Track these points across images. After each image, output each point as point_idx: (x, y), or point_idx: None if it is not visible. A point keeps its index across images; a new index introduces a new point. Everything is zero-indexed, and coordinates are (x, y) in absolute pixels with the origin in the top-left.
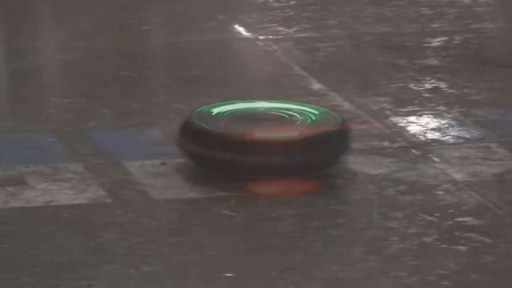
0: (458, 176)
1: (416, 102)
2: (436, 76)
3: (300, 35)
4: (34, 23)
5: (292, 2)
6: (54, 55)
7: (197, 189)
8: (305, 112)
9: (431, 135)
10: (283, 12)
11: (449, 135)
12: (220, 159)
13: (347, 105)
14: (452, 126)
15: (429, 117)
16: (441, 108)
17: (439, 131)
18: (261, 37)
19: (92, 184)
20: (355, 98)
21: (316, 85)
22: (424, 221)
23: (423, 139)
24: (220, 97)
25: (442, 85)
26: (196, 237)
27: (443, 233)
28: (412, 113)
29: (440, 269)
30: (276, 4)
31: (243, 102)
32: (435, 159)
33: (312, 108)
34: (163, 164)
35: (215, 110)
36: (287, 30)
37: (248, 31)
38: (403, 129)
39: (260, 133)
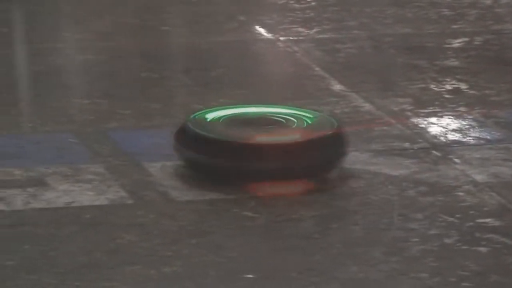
0: (479, 177)
1: (436, 103)
2: (457, 77)
3: (321, 36)
4: (55, 23)
5: (313, 3)
6: (75, 56)
7: (217, 190)
8: (300, 116)
9: (452, 136)
10: (304, 13)
11: (470, 136)
12: (216, 164)
13: (367, 106)
14: (473, 127)
15: (449, 118)
16: (462, 109)
17: (460, 132)
18: (281, 38)
19: (112, 185)
20: (376, 99)
21: (337, 86)
22: (445, 222)
23: (444, 140)
24: (240, 98)
25: (463, 86)
26: (217, 238)
27: (464, 234)
28: (433, 114)
29: (461, 270)
30: (297, 5)
31: (238, 107)
32: (456, 160)
33: (306, 112)
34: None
35: (210, 116)
36: (308, 31)
37: (268, 32)
38: (423, 130)
39: (259, 138)
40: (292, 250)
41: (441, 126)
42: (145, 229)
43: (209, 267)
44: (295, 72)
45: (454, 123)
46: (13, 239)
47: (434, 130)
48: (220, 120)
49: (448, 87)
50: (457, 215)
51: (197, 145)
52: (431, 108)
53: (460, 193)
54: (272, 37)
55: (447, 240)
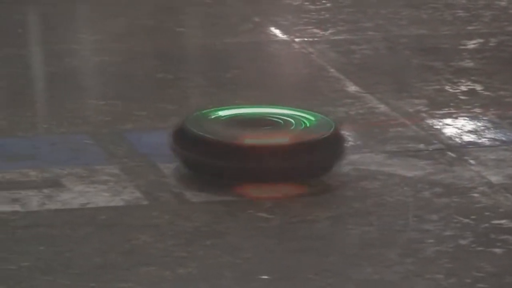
0: (494, 179)
1: (451, 104)
2: (472, 78)
3: (336, 37)
4: (70, 25)
5: (328, 5)
6: (90, 57)
7: (232, 191)
8: (301, 118)
9: (467, 138)
10: (319, 14)
11: (485, 138)
12: (213, 165)
13: (382, 107)
14: (488, 128)
15: (465, 120)
16: (477, 110)
17: (475, 134)
18: (296, 39)
19: (128, 186)
20: (391, 100)
21: (352, 88)
22: (460, 224)
23: (459, 141)
24: (255, 99)
25: (478, 87)
26: (232, 240)
27: (479, 235)
28: (448, 115)
29: (476, 271)
30: (312, 7)
31: (240, 108)
32: (471, 161)
33: (309, 115)
34: None
35: (209, 116)
36: (323, 33)
37: (283, 33)
38: (439, 131)
39: (251, 139)
40: (307, 251)
41: (456, 127)
42: (160, 230)
43: (224, 268)
44: (310, 74)
45: (469, 124)
46: (28, 240)
47: (449, 131)
48: (219, 120)
49: (463, 88)
50: (472, 217)
51: (189, 144)
52: (446, 109)
53: (475, 195)
54: (287, 38)
55: (462, 242)
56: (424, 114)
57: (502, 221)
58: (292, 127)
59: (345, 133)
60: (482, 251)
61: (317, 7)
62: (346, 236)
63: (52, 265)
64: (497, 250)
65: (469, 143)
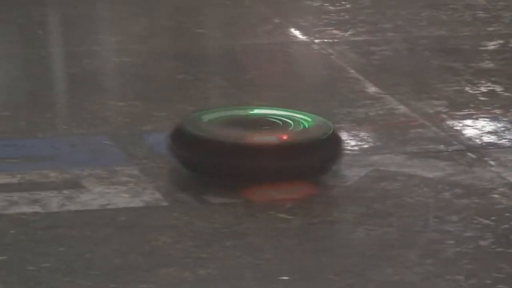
0: None
1: (471, 105)
2: (492, 79)
3: (356, 38)
4: (90, 26)
5: (348, 6)
6: (111, 58)
7: (252, 192)
8: (299, 119)
9: (487, 139)
10: (339, 15)
11: (505, 139)
12: (211, 164)
13: (402, 109)
14: (508, 129)
15: (485, 121)
16: (497, 111)
17: (495, 135)
18: (316, 41)
19: (147, 187)
20: (411, 101)
21: (372, 89)
22: (480, 225)
23: (479, 142)
24: (275, 100)
25: (498, 88)
26: (252, 241)
27: (499, 236)
28: (468, 117)
29: (497, 272)
30: (332, 8)
31: (238, 109)
32: (491, 162)
33: (307, 116)
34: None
35: (207, 117)
36: (343, 34)
37: (303, 35)
38: (458, 133)
39: (248, 138)
40: (327, 252)
41: (476, 128)
42: (180, 231)
43: (244, 269)
44: (330, 75)
45: (489, 125)
46: (48, 241)
47: (469, 132)
48: (219, 121)
49: (483, 89)
50: (493, 218)
51: (186, 144)
52: (466, 110)
53: (496, 196)
54: (307, 40)
55: (482, 243)
56: (444, 115)
57: None
58: (290, 128)
59: (342, 135)
60: (502, 252)
61: (337, 8)
62: (366, 237)
63: (72, 266)
64: None
65: (489, 144)
